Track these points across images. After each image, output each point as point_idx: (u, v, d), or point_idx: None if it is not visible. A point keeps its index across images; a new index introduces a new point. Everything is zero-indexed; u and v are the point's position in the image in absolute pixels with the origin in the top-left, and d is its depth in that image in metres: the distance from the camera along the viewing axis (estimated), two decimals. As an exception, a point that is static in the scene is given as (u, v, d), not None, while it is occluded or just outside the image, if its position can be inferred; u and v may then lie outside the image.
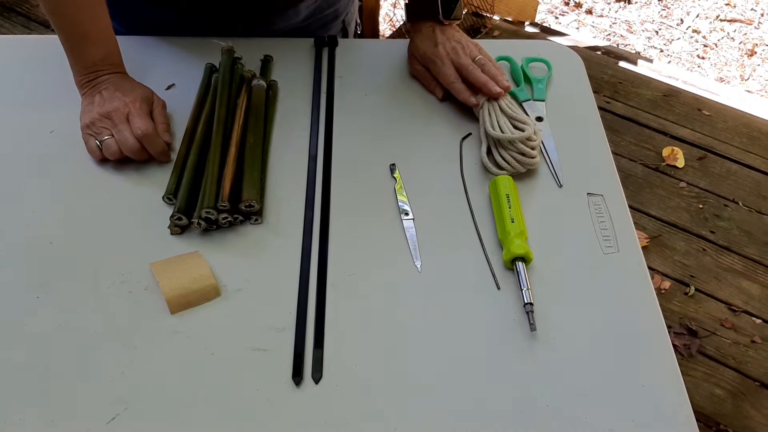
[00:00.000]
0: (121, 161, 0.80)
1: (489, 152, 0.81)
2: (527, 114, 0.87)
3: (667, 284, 1.77)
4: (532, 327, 0.66)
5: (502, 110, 0.82)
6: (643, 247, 1.81)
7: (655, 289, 1.69)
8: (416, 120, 0.87)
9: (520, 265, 0.70)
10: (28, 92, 0.89)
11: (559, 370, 0.64)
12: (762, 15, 2.95)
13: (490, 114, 0.82)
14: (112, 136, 0.79)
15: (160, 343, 0.65)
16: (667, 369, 0.64)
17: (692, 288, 1.76)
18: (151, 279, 0.70)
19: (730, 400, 1.54)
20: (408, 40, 0.95)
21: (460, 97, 0.85)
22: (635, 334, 0.67)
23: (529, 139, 0.79)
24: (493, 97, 0.83)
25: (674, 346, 1.59)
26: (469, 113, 0.87)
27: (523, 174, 0.80)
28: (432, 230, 0.75)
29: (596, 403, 0.62)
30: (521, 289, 0.68)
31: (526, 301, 0.67)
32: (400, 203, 0.77)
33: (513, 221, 0.72)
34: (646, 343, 0.66)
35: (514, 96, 0.89)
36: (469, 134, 0.85)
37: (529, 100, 0.89)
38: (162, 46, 0.96)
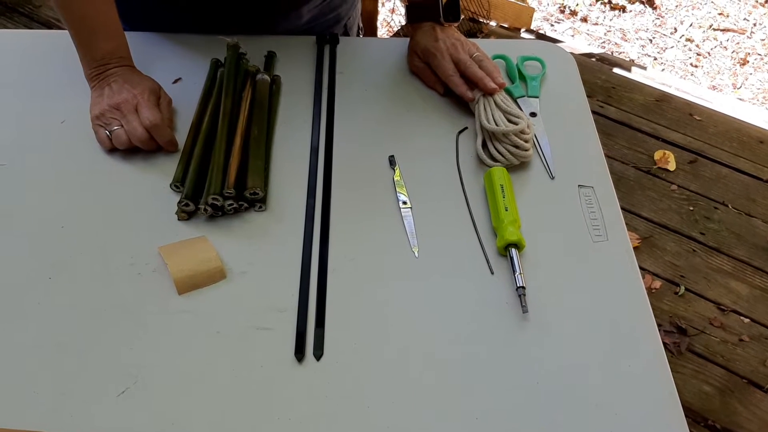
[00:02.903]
0: (130, 151, 0.83)
1: (484, 145, 0.84)
2: (521, 109, 0.90)
3: (657, 284, 1.80)
4: (524, 309, 0.69)
5: (496, 105, 0.85)
6: (635, 248, 1.85)
7: (646, 289, 1.73)
8: (414, 114, 0.91)
9: (513, 251, 0.73)
10: (40, 84, 0.92)
11: (549, 350, 0.67)
12: (754, 25, 3.00)
13: (485, 108, 0.85)
14: (122, 126, 0.81)
15: (168, 322, 0.68)
16: (652, 348, 0.67)
17: (682, 288, 1.80)
18: (159, 262, 0.73)
19: (718, 397, 1.57)
20: (407, 39, 0.98)
21: (457, 90, 0.88)
22: (622, 316, 0.70)
23: (522, 132, 0.82)
24: (488, 93, 0.86)
25: (664, 343, 1.62)
26: (465, 108, 0.91)
27: (517, 166, 0.83)
28: (429, 219, 0.78)
29: (584, 380, 0.65)
30: (514, 274, 0.71)
31: (518, 285, 0.70)
32: (398, 193, 0.80)
33: (507, 210, 0.75)
34: (632, 324, 0.69)
35: (509, 92, 0.92)
36: (465, 128, 0.88)
37: (523, 96, 0.92)
38: (169, 42, 0.99)
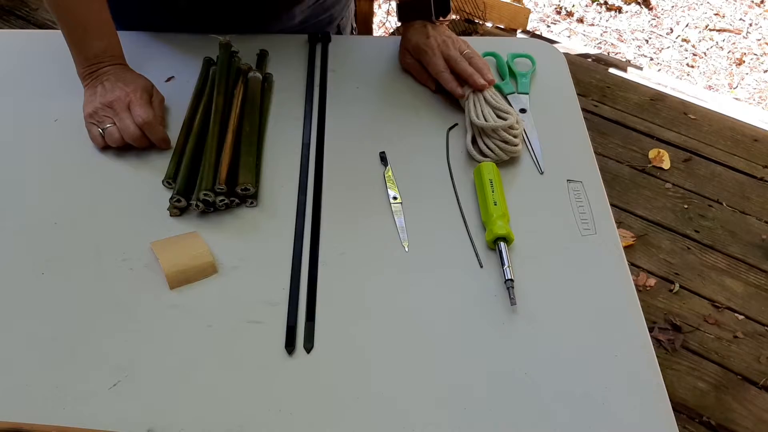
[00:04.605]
0: (123, 148, 0.83)
1: (474, 141, 0.85)
2: (511, 106, 0.91)
3: (652, 281, 1.81)
4: (512, 302, 0.69)
5: (486, 101, 0.86)
6: (630, 246, 1.86)
7: (641, 287, 1.74)
8: (405, 111, 0.91)
9: (502, 244, 0.73)
10: (33, 83, 0.93)
11: (537, 341, 0.68)
12: (750, 25, 3.01)
13: (475, 104, 0.86)
14: (114, 124, 0.82)
15: (160, 316, 0.69)
16: (639, 340, 0.68)
17: (677, 285, 1.80)
18: (151, 257, 0.73)
19: (713, 393, 1.57)
20: (398, 37, 0.99)
21: (448, 86, 0.89)
22: (610, 308, 0.71)
23: (511, 127, 0.83)
24: (477, 89, 0.87)
25: (659, 341, 1.63)
26: (456, 105, 0.91)
27: (506, 161, 0.84)
28: (419, 214, 0.79)
29: (572, 371, 0.66)
30: (503, 267, 0.72)
31: (507, 278, 0.71)
32: (388, 189, 0.81)
33: (496, 204, 0.76)
34: (619, 316, 0.70)
35: (499, 89, 0.93)
36: (455, 125, 0.89)
37: (513, 93, 0.93)
38: (161, 41, 1.00)
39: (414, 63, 0.95)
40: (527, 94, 0.93)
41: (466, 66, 0.88)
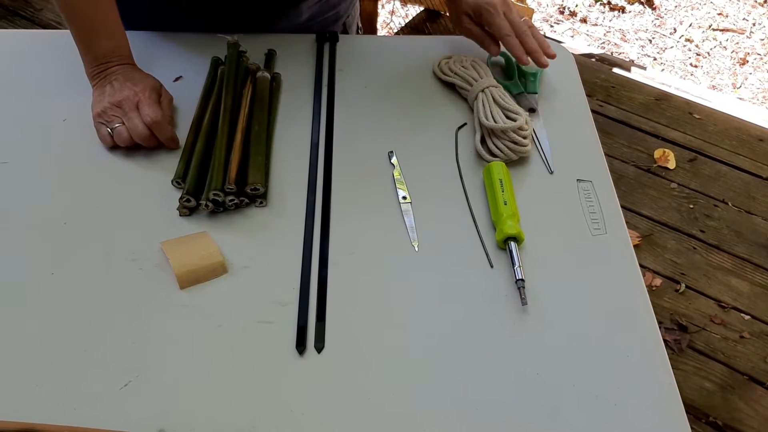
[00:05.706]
0: (131, 148, 0.83)
1: (483, 141, 0.85)
2: (521, 105, 0.90)
3: (658, 281, 1.80)
4: (524, 302, 0.69)
5: (495, 101, 0.86)
6: (635, 246, 1.85)
7: (647, 286, 1.73)
8: (413, 111, 0.91)
9: (513, 244, 0.73)
10: (41, 83, 0.93)
11: (549, 342, 0.68)
12: (754, 24, 3.00)
13: (483, 105, 0.86)
14: (123, 123, 0.82)
15: (170, 316, 0.69)
16: (651, 339, 0.68)
17: (683, 285, 1.80)
18: (160, 257, 0.73)
19: (719, 393, 1.57)
20: (406, 36, 0.99)
21: (514, 52, 0.87)
22: (621, 308, 0.70)
23: (520, 128, 0.83)
24: (541, 66, 0.88)
25: (665, 341, 1.62)
26: (464, 104, 0.91)
27: (516, 161, 0.84)
28: (429, 213, 0.79)
29: (584, 372, 0.65)
30: (513, 267, 0.72)
31: (517, 278, 0.70)
32: (398, 188, 0.81)
33: (506, 204, 0.76)
34: (630, 316, 0.70)
35: (507, 89, 0.92)
36: (464, 124, 0.89)
37: (522, 92, 0.93)
38: (169, 41, 1.00)
39: (474, 27, 0.92)
40: (536, 93, 0.93)
41: (532, 41, 0.87)
